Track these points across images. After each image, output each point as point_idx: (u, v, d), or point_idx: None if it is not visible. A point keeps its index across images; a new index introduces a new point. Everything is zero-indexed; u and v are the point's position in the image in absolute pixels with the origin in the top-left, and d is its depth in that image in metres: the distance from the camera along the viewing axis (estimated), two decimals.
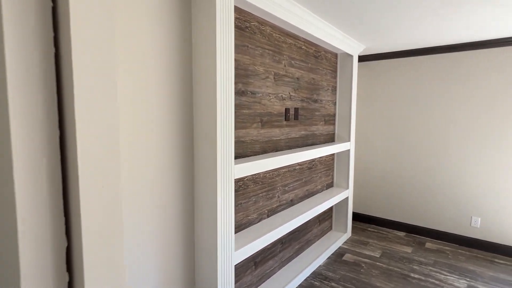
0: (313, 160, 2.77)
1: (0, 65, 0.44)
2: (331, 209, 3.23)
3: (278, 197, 2.31)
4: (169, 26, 1.42)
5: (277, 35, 2.13)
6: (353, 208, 3.82)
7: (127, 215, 1.30)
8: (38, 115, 0.52)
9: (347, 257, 2.86)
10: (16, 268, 0.48)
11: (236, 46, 1.79)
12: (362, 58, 3.53)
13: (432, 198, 3.29)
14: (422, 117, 3.28)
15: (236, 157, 1.86)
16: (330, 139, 3.05)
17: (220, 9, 1.44)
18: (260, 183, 2.10)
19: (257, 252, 2.12)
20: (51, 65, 0.58)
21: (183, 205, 1.57)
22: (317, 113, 2.75)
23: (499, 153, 2.89)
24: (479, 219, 3.02)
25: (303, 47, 2.45)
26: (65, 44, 0.62)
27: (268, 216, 2.21)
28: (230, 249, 1.63)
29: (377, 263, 2.74)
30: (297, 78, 2.41)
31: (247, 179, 1.98)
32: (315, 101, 2.71)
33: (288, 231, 2.17)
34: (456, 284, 2.41)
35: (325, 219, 3.11)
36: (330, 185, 3.15)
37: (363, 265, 2.71)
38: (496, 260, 2.82)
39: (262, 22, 1.97)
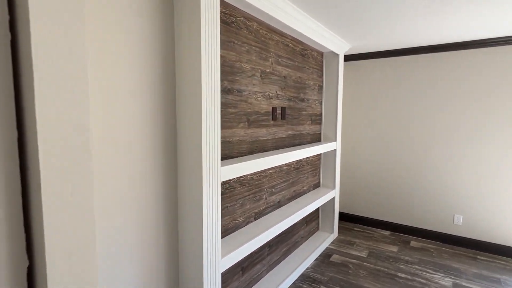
0: (300, 161, 2.72)
1: None
2: (317, 209, 3.20)
3: (266, 199, 2.24)
4: (150, 19, 1.32)
5: (264, 32, 2.06)
6: (339, 207, 3.81)
7: (98, 225, 1.18)
8: None
9: (335, 258, 2.83)
10: None
11: (222, 41, 1.70)
12: (347, 58, 3.53)
13: (416, 197, 3.32)
14: (405, 117, 3.31)
15: (222, 159, 1.78)
16: (316, 139, 3.01)
17: (205, 1, 1.35)
18: (247, 185, 2.02)
19: (244, 257, 2.04)
20: (6, 52, 0.48)
21: (166, 212, 1.47)
22: (304, 112, 2.70)
23: (480, 152, 2.95)
24: (462, 217, 3.07)
25: (290, 44, 2.39)
26: (23, 27, 0.52)
27: (255, 219, 2.14)
28: (217, 256, 1.54)
29: (365, 263, 2.72)
30: (284, 77, 2.35)
31: (233, 181, 1.89)
32: (302, 100, 2.66)
33: (276, 234, 2.10)
34: (442, 282, 2.43)
35: (312, 220, 3.07)
36: (317, 186, 3.11)
37: (351, 265, 2.69)
38: (479, 257, 2.88)
39: (249, 18, 1.90)
